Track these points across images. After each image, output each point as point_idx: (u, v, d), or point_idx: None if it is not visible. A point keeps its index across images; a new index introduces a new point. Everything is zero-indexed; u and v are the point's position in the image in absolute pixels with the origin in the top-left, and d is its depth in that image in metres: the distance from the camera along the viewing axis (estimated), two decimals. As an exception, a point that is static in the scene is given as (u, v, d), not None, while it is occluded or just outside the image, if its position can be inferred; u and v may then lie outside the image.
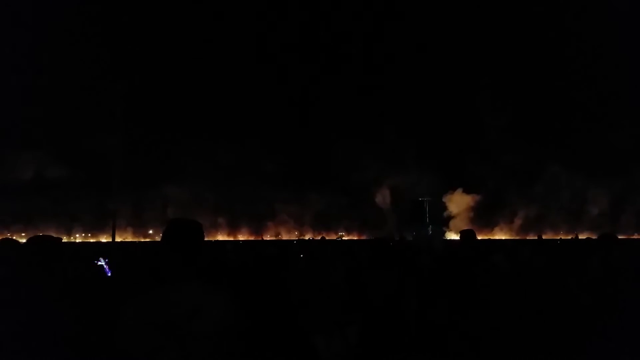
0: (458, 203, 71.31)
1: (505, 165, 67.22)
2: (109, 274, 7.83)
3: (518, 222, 67.95)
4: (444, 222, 69.59)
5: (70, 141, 63.85)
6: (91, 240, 67.57)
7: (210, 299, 2.16)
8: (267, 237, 68.80)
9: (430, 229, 66.08)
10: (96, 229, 68.00)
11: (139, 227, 71.22)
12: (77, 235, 72.59)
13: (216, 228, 72.44)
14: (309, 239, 56.66)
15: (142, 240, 63.88)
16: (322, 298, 4.44)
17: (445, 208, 72.27)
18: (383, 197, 73.38)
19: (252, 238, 68.83)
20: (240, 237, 69.59)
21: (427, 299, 4.84)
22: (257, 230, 73.36)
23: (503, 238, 58.94)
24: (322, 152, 73.10)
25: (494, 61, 71.47)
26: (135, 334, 2.03)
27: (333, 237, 65.31)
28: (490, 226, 69.25)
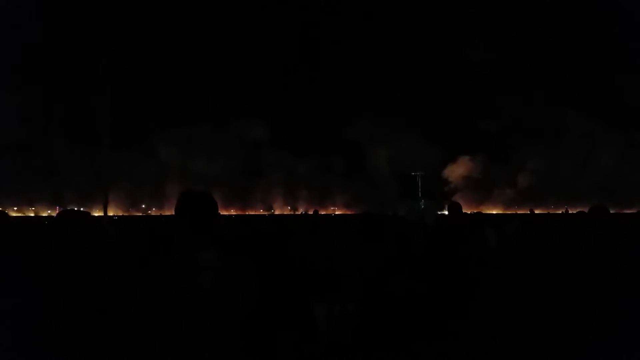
0: (458, 174, 71.39)
1: (510, 129, 65.55)
2: None
3: (517, 191, 67.53)
4: (446, 196, 69.25)
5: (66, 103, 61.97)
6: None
7: (231, 265, 2.25)
8: (260, 212, 68.94)
9: (422, 203, 66.32)
10: (88, 202, 67.65)
11: (132, 200, 70.88)
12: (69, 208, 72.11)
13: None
14: (301, 212, 56.97)
15: (137, 214, 63.72)
16: (321, 272, 4.49)
17: (445, 181, 72.38)
18: (378, 171, 73.39)
19: (245, 212, 68.91)
20: (233, 212, 69.62)
21: (416, 274, 4.90)
22: (247, 203, 73.29)
23: (504, 212, 58.56)
24: (315, 121, 71.66)
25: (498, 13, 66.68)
26: (158, 301, 2.08)
27: (325, 211, 65.50)
28: (490, 198, 69.15)
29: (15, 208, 63.71)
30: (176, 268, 2.17)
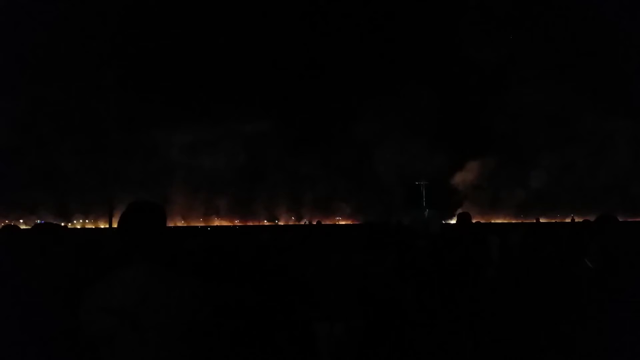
0: (464, 182, 70.88)
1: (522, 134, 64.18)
2: None
3: (525, 199, 66.49)
4: (453, 205, 68.30)
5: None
6: (91, 227, 67.40)
7: (163, 285, 2.05)
8: (265, 222, 68.82)
9: (427, 212, 65.87)
10: (95, 214, 67.67)
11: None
12: (75, 222, 72.45)
13: (213, 212, 72.36)
14: (304, 223, 56.78)
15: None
16: (325, 288, 4.36)
17: (451, 190, 71.75)
18: (383, 180, 73.15)
19: (247, 223, 68.78)
20: (237, 222, 69.47)
21: (422, 284, 4.82)
22: (251, 214, 73.03)
23: (510, 221, 57.70)
24: (321, 128, 71.10)
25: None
26: (91, 320, 1.99)
27: (330, 221, 65.25)
28: (497, 207, 68.25)
29: (22, 220, 63.96)
30: (105, 286, 2.05)
